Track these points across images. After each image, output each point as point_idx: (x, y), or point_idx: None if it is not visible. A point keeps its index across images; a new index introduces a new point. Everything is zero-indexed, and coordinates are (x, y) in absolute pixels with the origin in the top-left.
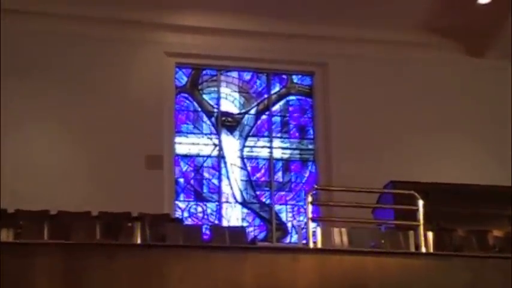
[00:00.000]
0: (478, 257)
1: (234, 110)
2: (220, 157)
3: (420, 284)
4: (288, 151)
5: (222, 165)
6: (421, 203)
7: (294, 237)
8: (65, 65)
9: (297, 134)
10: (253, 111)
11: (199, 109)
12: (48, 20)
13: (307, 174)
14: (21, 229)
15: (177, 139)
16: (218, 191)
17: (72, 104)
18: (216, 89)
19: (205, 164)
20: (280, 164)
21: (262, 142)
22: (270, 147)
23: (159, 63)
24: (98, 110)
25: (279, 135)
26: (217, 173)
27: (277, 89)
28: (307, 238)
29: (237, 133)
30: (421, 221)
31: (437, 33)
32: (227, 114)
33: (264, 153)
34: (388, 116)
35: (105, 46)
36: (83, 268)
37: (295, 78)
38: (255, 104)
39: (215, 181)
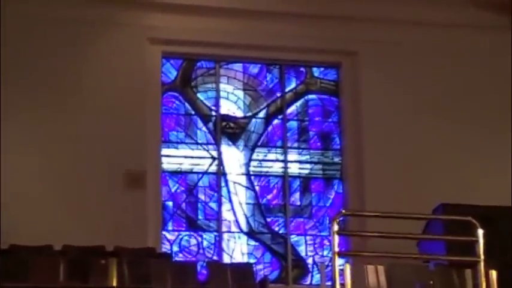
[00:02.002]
0: None
1: (238, 113)
2: (220, 174)
3: None
4: (308, 166)
5: (223, 184)
6: (480, 232)
7: (316, 278)
8: (18, 55)
9: (318, 144)
10: (262, 114)
11: (193, 112)
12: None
13: (332, 196)
14: None
15: (164, 151)
16: (217, 217)
17: (30, 106)
18: (214, 85)
19: (200, 183)
20: (297, 182)
21: (274, 154)
22: (285, 161)
23: (140, 52)
24: (64, 114)
25: (295, 145)
26: (216, 195)
27: (293, 85)
28: (332, 278)
29: (241, 143)
30: (482, 256)
31: (498, 12)
32: (229, 118)
33: (277, 168)
34: (436, 119)
35: (70, 29)
36: None
37: (316, 72)
38: (265, 105)
39: (213, 205)
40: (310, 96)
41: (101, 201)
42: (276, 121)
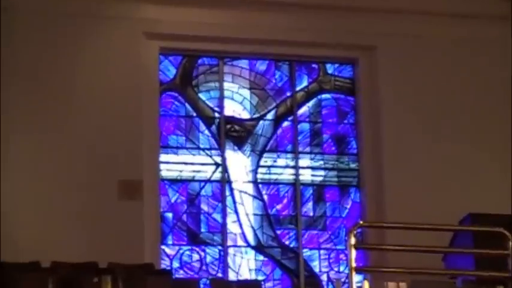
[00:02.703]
0: None
1: (244, 114)
2: (225, 182)
3: None
4: (321, 172)
5: (228, 193)
6: None
7: None
8: (10, 52)
9: (333, 148)
10: (270, 115)
11: (194, 114)
12: None
13: (348, 205)
14: None
15: (163, 157)
16: (222, 230)
17: (18, 110)
18: (217, 84)
19: (202, 192)
20: (310, 191)
21: (284, 160)
22: (296, 168)
23: (136, 48)
24: (53, 117)
25: (307, 149)
26: (220, 205)
27: (304, 83)
28: None
29: (247, 147)
30: None
31: None
32: (234, 120)
33: (287, 175)
34: (463, 119)
35: (59, 24)
36: None
37: (329, 68)
38: (274, 105)
39: (217, 216)
40: (324, 96)
41: (93, 213)
42: (285, 123)
